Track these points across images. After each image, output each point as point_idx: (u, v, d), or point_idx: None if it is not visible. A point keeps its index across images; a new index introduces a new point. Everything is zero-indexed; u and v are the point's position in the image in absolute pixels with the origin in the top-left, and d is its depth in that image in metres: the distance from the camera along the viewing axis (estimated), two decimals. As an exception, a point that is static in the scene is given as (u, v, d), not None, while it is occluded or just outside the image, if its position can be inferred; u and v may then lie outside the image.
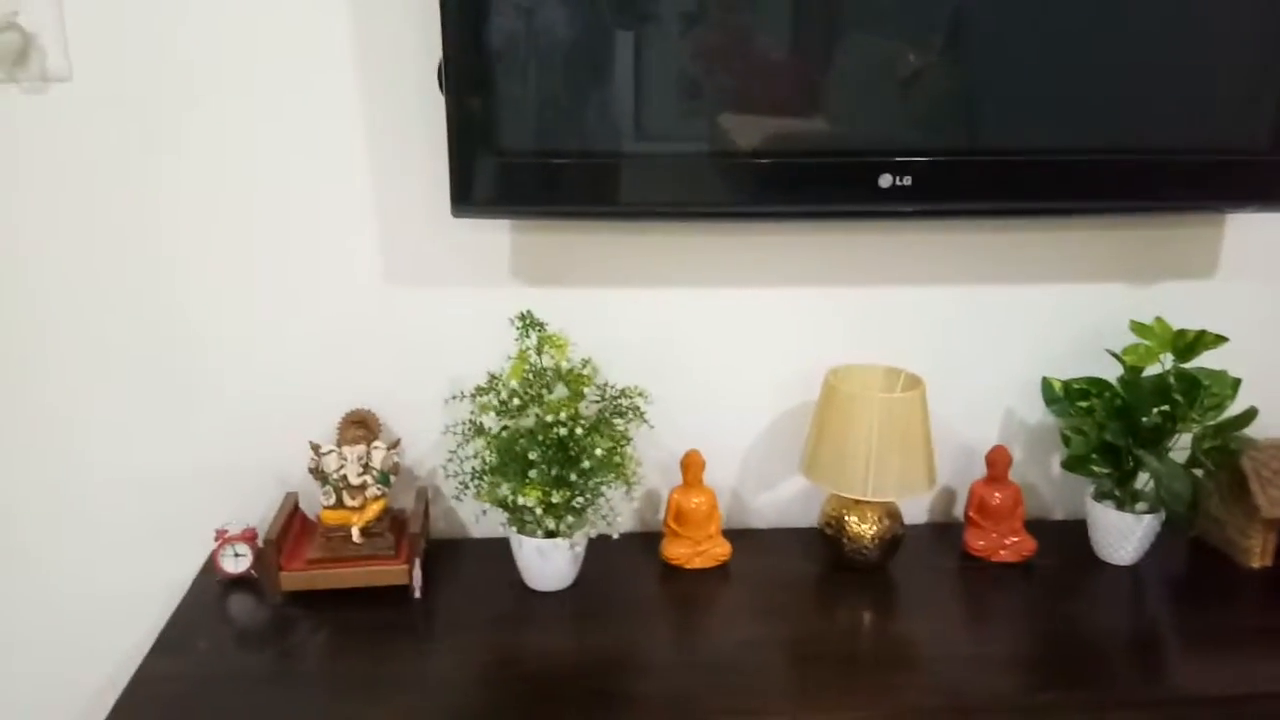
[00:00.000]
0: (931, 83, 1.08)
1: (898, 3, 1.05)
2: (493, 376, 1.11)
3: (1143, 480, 1.19)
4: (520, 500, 1.04)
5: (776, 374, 1.29)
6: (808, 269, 1.26)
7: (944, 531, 1.32)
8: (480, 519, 1.28)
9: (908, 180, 1.10)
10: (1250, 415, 1.14)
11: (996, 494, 1.25)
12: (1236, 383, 1.16)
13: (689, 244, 1.23)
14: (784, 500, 1.35)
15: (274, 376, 1.22)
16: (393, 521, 1.17)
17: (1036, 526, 1.30)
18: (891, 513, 1.21)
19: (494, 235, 1.20)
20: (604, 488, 1.09)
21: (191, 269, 1.18)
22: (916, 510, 1.36)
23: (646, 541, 1.27)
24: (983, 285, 1.28)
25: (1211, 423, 1.14)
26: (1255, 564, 1.22)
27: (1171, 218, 1.27)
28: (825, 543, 1.23)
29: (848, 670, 1.04)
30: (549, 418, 1.04)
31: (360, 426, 1.18)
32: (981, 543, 1.25)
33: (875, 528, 1.19)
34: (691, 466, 1.23)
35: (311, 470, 1.15)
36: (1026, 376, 1.31)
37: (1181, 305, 1.30)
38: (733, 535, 1.29)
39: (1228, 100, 1.12)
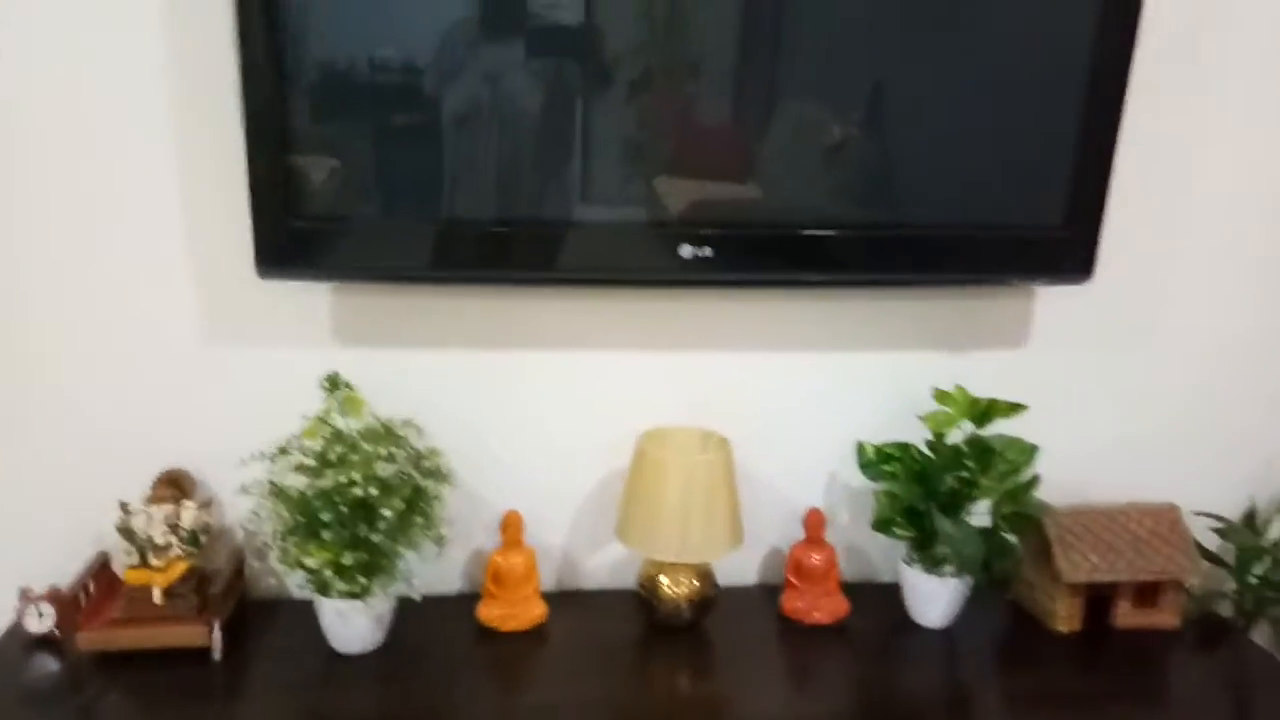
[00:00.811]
0: (727, 155, 1.13)
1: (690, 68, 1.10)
2: (293, 438, 1.12)
3: (948, 544, 1.21)
4: (307, 561, 1.04)
5: (606, 435, 1.31)
6: (635, 333, 1.29)
7: (769, 594, 1.33)
8: (277, 580, 1.28)
9: (708, 251, 1.13)
10: (1033, 482, 1.17)
11: (813, 556, 1.27)
12: (1032, 450, 1.19)
13: (515, 307, 1.26)
14: (614, 562, 1.36)
15: (92, 435, 1.23)
16: (199, 582, 1.16)
17: (861, 589, 1.33)
18: (703, 574, 1.22)
19: (314, 296, 1.22)
20: (403, 549, 1.10)
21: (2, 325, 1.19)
22: (745, 572, 1.37)
23: (472, 603, 1.27)
24: (809, 352, 1.31)
25: (1005, 488, 1.17)
26: (1063, 628, 1.24)
27: (984, 289, 1.31)
28: (641, 605, 1.24)
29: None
30: (342, 479, 1.05)
31: (172, 486, 1.19)
32: (798, 604, 1.26)
33: (687, 589, 1.21)
34: (509, 527, 1.24)
35: (120, 529, 1.15)
36: (853, 441, 1.34)
37: (996, 373, 1.33)
38: (560, 597, 1.30)
39: (1020, 178, 1.17)
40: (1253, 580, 1.36)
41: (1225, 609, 1.38)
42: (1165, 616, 1.26)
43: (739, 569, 1.36)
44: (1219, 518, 1.35)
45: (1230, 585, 1.38)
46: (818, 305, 1.30)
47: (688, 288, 1.26)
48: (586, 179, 1.11)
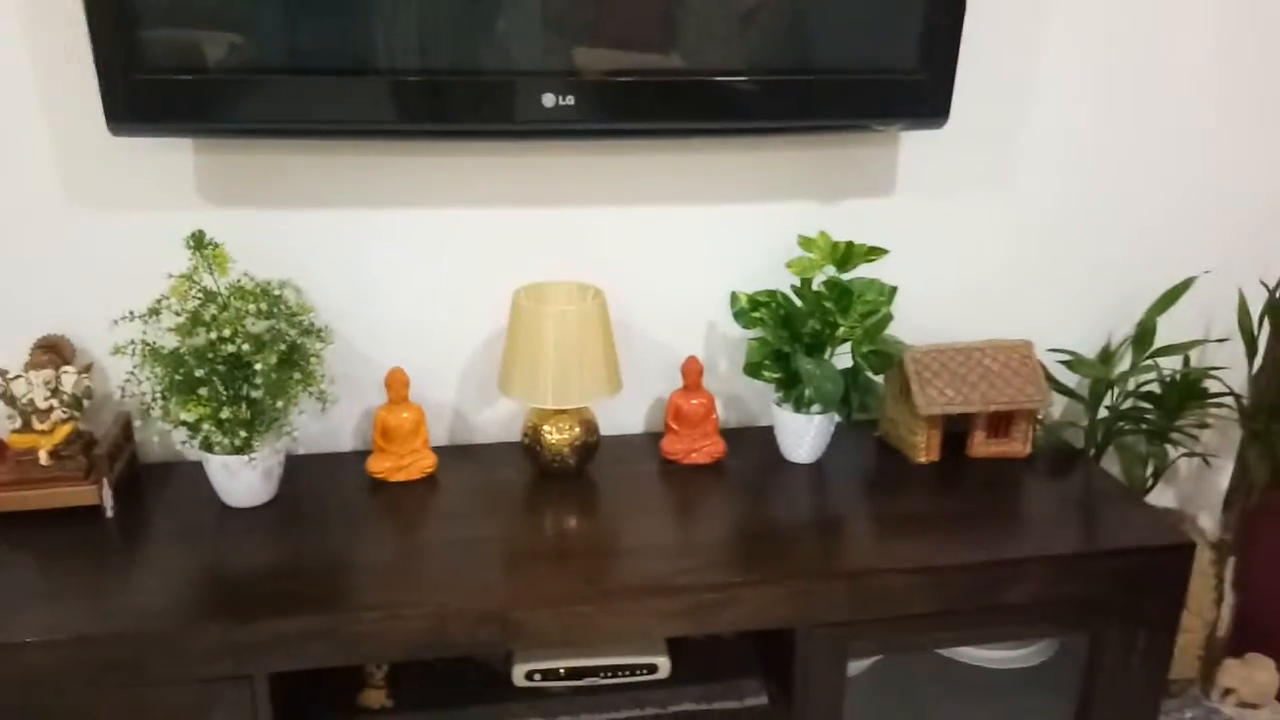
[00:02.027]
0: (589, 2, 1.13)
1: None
2: (164, 298, 1.13)
3: (814, 384, 1.28)
4: (183, 416, 1.07)
5: (491, 293, 1.34)
6: (512, 190, 1.30)
7: (653, 440, 1.40)
8: (170, 443, 1.31)
9: (570, 100, 1.15)
10: (884, 320, 1.23)
11: (691, 401, 1.33)
12: (891, 291, 1.25)
13: (387, 165, 1.26)
14: (505, 417, 1.41)
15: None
16: (85, 444, 1.19)
17: (741, 434, 1.40)
18: (584, 422, 1.27)
19: (178, 154, 1.21)
20: (283, 404, 1.13)
21: None
22: (631, 422, 1.43)
23: (364, 459, 1.31)
24: (685, 205, 1.35)
25: (864, 328, 1.23)
26: (922, 459, 1.33)
27: (851, 138, 1.35)
28: (526, 454, 1.29)
29: (549, 560, 1.12)
30: (213, 335, 1.07)
31: (50, 351, 1.20)
32: (678, 447, 1.33)
33: (569, 436, 1.26)
34: (394, 384, 1.27)
35: (0, 395, 1.16)
36: (729, 292, 1.39)
37: (865, 221, 1.38)
38: (451, 451, 1.35)
39: (876, 21, 1.19)
40: (1104, 411, 1.46)
41: (1078, 440, 1.48)
42: (1016, 446, 1.36)
43: (625, 419, 1.42)
44: (1070, 352, 1.44)
45: (1084, 418, 1.48)
46: (690, 159, 1.33)
47: (555, 139, 1.27)
48: (448, 26, 1.10)
